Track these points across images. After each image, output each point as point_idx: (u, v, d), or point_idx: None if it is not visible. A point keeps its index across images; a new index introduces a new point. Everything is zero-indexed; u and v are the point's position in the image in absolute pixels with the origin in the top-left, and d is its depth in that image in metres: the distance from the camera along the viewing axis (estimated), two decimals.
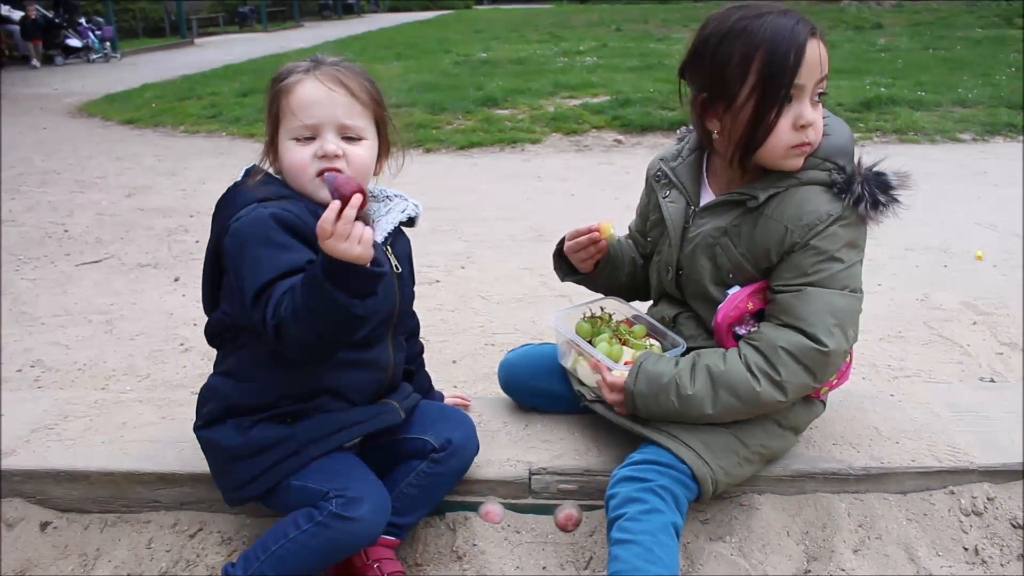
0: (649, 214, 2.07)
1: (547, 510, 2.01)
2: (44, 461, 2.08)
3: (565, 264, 2.14)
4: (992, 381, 2.90)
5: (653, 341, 1.97)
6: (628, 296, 2.17)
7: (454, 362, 3.07)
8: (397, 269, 1.83)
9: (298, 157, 1.68)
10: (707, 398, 1.75)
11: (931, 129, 7.49)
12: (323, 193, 1.59)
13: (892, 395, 2.32)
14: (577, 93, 9.67)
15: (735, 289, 1.82)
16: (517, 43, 16.99)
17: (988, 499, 1.98)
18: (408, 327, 1.99)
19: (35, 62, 17.40)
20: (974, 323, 3.41)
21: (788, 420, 1.90)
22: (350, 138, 1.71)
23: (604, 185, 5.83)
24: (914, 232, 4.49)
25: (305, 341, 1.53)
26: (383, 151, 1.83)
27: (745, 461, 1.85)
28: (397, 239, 1.88)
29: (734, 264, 1.82)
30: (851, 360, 1.94)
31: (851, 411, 2.20)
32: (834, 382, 1.93)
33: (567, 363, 2.07)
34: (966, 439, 2.10)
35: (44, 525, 2.04)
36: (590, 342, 1.96)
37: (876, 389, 2.43)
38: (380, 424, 1.82)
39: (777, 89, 1.66)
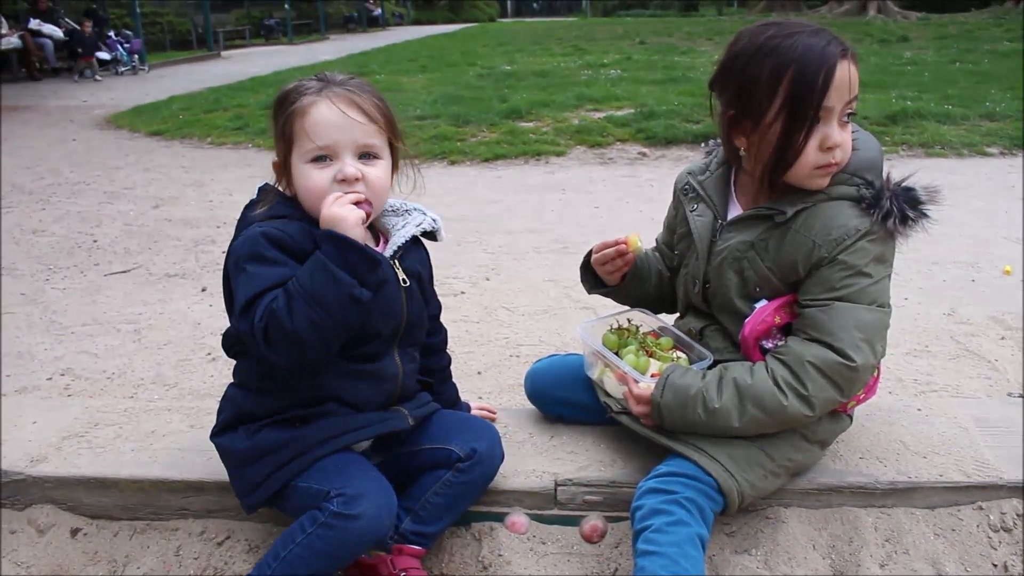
0: (676, 227, 2.07)
1: (573, 521, 2.01)
2: (75, 468, 2.11)
3: (592, 276, 2.15)
4: (1021, 396, 2.87)
5: (680, 354, 1.97)
6: (655, 309, 2.17)
7: (479, 373, 3.08)
8: (405, 283, 1.82)
9: (316, 182, 1.69)
10: (734, 411, 1.75)
11: (958, 143, 7.44)
12: None
13: (919, 409, 2.31)
14: (601, 106, 9.69)
15: (762, 302, 1.82)
16: (541, 56, 17.05)
17: (1017, 515, 1.96)
18: (421, 340, 1.97)
19: (98, 76, 17.21)
20: (1002, 338, 3.38)
21: (815, 434, 1.90)
22: (366, 157, 1.72)
23: (628, 198, 5.83)
24: (941, 246, 4.46)
25: (296, 333, 1.55)
26: (394, 165, 1.83)
27: (771, 474, 1.84)
28: (408, 253, 1.88)
29: (761, 278, 1.82)
30: (879, 375, 1.93)
31: (878, 425, 2.19)
32: (861, 396, 1.93)
33: (593, 374, 2.07)
34: (995, 454, 2.08)
35: (75, 532, 2.07)
36: (617, 354, 1.97)
37: (903, 403, 2.42)
38: (386, 428, 1.84)
39: (805, 111, 1.67)
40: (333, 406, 1.78)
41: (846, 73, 1.67)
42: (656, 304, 2.18)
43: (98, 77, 17.30)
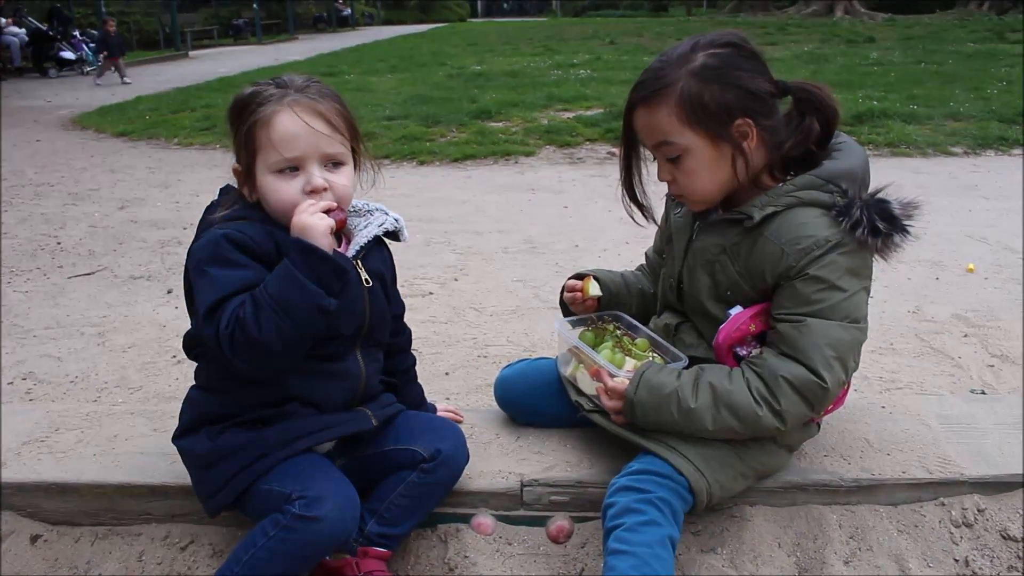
0: (666, 231, 2.08)
1: (539, 522, 2.01)
2: (35, 474, 2.07)
3: (568, 309, 2.20)
4: (983, 393, 2.91)
5: (656, 354, 1.97)
6: (639, 321, 2.15)
7: (447, 374, 3.08)
8: (368, 283, 1.81)
9: (287, 195, 1.67)
10: (708, 414, 1.75)
11: (923, 142, 7.54)
12: None
13: (883, 407, 2.33)
14: (571, 106, 9.71)
15: (737, 309, 1.81)
16: (511, 56, 17.06)
17: (978, 511, 1.99)
18: (384, 340, 1.95)
19: (127, 79, 16.31)
20: (965, 335, 3.42)
21: (784, 439, 1.91)
22: (330, 164, 1.71)
23: (597, 197, 5.84)
24: (911, 244, 4.50)
25: (263, 342, 1.54)
26: (356, 166, 1.82)
27: (740, 476, 1.85)
28: (371, 253, 1.87)
29: (731, 282, 1.82)
30: (848, 386, 1.93)
31: (842, 423, 2.21)
32: (831, 407, 1.93)
33: (567, 371, 2.07)
34: (957, 451, 2.10)
35: (34, 538, 2.03)
36: (593, 349, 1.97)
37: (868, 401, 2.44)
38: (349, 429, 1.82)
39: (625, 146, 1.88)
40: (295, 407, 1.76)
41: (642, 122, 1.76)
42: (640, 320, 2.16)
43: (55, 74, 16.95)
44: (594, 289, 2.10)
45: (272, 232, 1.67)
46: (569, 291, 2.14)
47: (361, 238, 1.84)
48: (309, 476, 1.70)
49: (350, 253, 1.80)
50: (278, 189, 1.67)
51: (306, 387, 1.77)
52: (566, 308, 2.20)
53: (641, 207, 1.92)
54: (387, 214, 1.92)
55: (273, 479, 1.71)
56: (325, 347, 1.75)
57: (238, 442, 1.74)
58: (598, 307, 2.13)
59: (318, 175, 1.68)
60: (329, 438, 1.82)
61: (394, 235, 1.92)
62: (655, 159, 1.81)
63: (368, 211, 1.91)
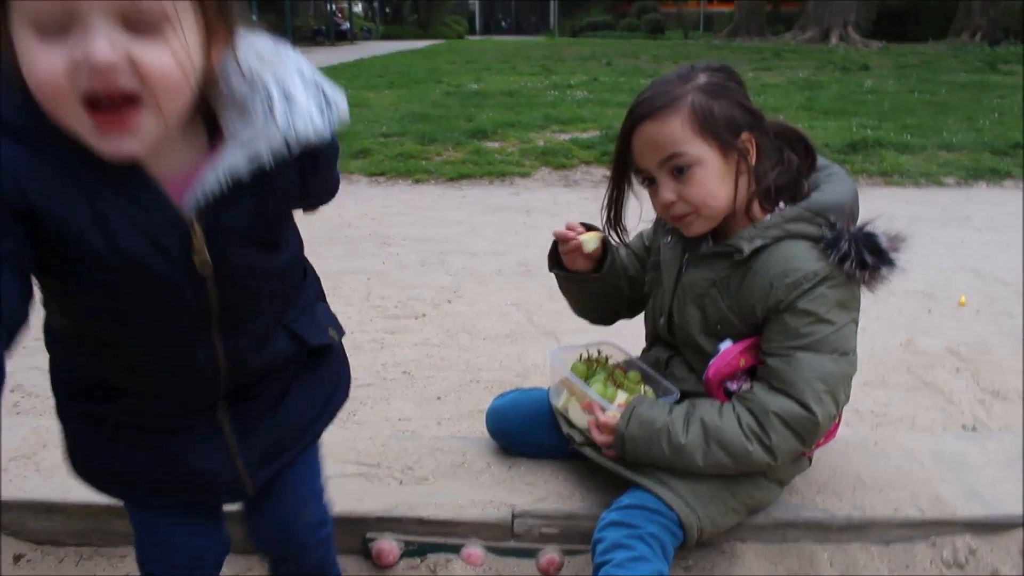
0: (652, 253, 2.08)
1: (529, 554, 2.00)
2: (21, 492, 2.05)
3: (556, 257, 2.09)
4: (974, 429, 2.90)
5: (648, 388, 1.97)
6: (606, 313, 2.17)
7: (439, 398, 3.06)
8: (206, 268, 1.13)
9: (45, 68, 0.94)
10: (699, 450, 1.75)
11: (916, 172, 7.56)
12: (89, 130, 0.98)
13: (876, 443, 2.33)
14: (567, 127, 9.73)
15: (727, 343, 1.82)
16: (508, 75, 17.10)
17: (970, 551, 1.99)
18: (262, 315, 1.29)
19: None
20: (957, 369, 3.42)
21: (775, 474, 1.91)
22: (136, 27, 0.95)
23: (592, 221, 5.84)
24: (897, 276, 4.52)
25: None
26: (215, 34, 1.06)
27: (732, 511, 1.85)
28: (232, 199, 1.11)
29: (722, 317, 1.82)
30: (840, 420, 1.94)
31: (834, 459, 2.20)
32: (822, 441, 1.93)
33: (558, 403, 2.06)
34: (949, 489, 2.10)
35: (17, 558, 2.01)
36: (585, 382, 1.97)
37: (859, 436, 2.44)
38: (206, 500, 1.45)
39: (617, 171, 1.84)
40: (134, 399, 1.29)
41: (648, 137, 1.73)
42: (608, 309, 2.16)
43: None
44: (592, 244, 1.97)
45: (69, 156, 1.01)
46: (566, 231, 1.99)
47: (209, 177, 1.08)
48: (160, 546, 1.47)
49: (188, 203, 1.09)
50: (34, 56, 0.94)
51: (138, 380, 1.27)
52: (555, 257, 2.08)
53: (620, 231, 1.95)
54: (290, 104, 1.10)
55: (133, 522, 1.49)
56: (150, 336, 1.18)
57: (87, 444, 1.40)
58: (594, 268, 2.05)
59: (103, 36, 0.93)
60: (168, 505, 1.43)
61: (312, 156, 1.18)
62: (647, 185, 1.81)
63: (248, 106, 1.09)
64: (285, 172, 1.15)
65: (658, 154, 1.72)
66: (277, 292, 1.30)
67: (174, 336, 1.18)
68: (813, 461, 2.10)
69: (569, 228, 1.99)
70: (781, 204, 1.80)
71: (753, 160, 1.76)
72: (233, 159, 1.08)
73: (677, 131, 1.69)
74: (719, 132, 1.70)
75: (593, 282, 2.04)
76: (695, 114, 1.69)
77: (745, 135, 1.74)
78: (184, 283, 1.12)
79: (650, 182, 1.78)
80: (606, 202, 1.91)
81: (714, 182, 1.73)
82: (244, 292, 1.21)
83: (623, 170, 1.82)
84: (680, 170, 1.71)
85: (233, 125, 1.09)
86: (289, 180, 1.18)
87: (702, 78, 1.72)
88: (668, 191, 1.74)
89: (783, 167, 1.80)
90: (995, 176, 7.52)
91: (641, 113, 1.72)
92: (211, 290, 1.15)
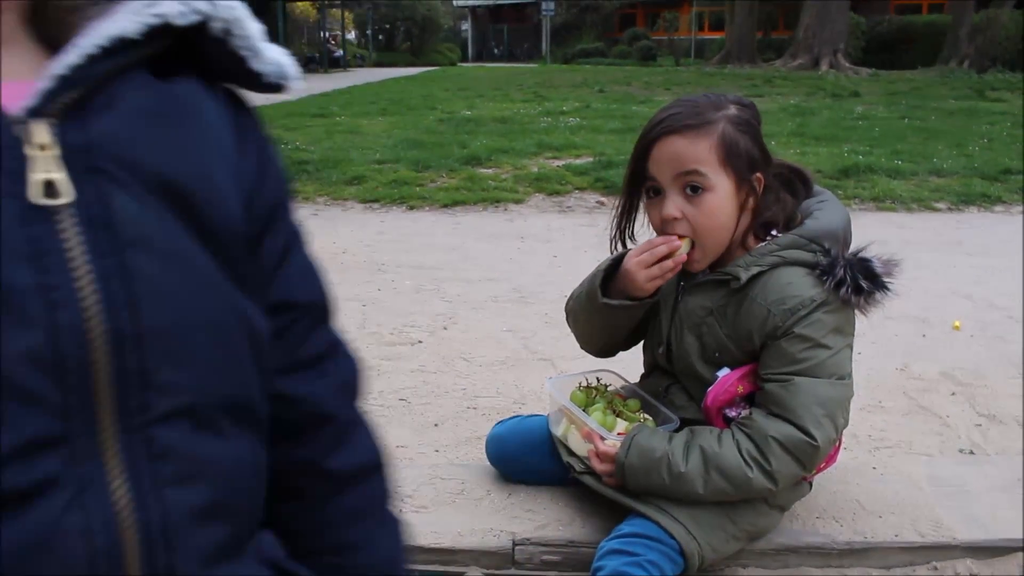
0: None
1: None
2: None
3: (612, 286, 1.92)
4: (971, 453, 2.91)
5: (647, 416, 1.98)
6: (624, 341, 2.12)
7: (436, 425, 3.05)
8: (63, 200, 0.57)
9: None
10: (699, 478, 1.75)
11: (907, 198, 7.62)
12: None
13: (875, 468, 2.34)
14: (560, 154, 9.78)
15: (724, 371, 1.83)
16: (501, 101, 17.20)
17: None
18: (210, 395, 0.64)
19: None
20: (953, 393, 3.43)
21: (776, 500, 1.91)
22: None
23: (587, 247, 5.85)
24: (892, 300, 4.54)
25: None
26: None
27: (732, 538, 1.85)
28: (105, 114, 0.61)
29: (719, 344, 1.83)
30: (840, 444, 1.95)
31: (834, 484, 2.21)
32: (823, 466, 1.94)
33: (558, 431, 2.06)
34: (948, 513, 2.11)
35: None
36: (584, 411, 1.97)
37: (858, 462, 2.44)
38: None
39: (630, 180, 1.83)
40: None
41: (673, 150, 1.73)
42: (624, 340, 2.10)
43: None
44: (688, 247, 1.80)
45: None
46: (654, 246, 1.80)
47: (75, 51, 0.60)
48: None
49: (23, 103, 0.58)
50: None
51: None
52: (606, 283, 1.91)
53: (626, 241, 1.95)
54: None
55: None
56: None
57: None
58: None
59: None
60: None
61: (243, 82, 0.71)
62: (651, 196, 1.81)
63: None
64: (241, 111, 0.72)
65: (677, 168, 1.73)
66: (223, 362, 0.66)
67: (17, 449, 0.54)
68: (813, 486, 2.10)
69: (664, 244, 1.79)
70: (774, 232, 1.82)
71: (758, 199, 1.79)
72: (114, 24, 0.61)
73: (704, 153, 1.71)
74: (739, 166, 1.73)
75: (640, 308, 1.91)
76: (723, 143, 1.72)
77: (758, 174, 1.78)
78: (27, 287, 0.54)
79: (655, 193, 1.79)
80: (617, 213, 1.92)
81: (722, 212, 1.75)
82: (159, 331, 0.59)
83: (638, 180, 1.82)
84: (694, 189, 1.73)
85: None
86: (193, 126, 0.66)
87: (733, 109, 1.76)
88: (674, 206, 1.75)
89: (779, 205, 1.84)
90: (986, 201, 7.58)
91: (670, 126, 1.74)
92: (90, 314, 0.56)
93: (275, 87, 0.69)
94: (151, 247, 0.59)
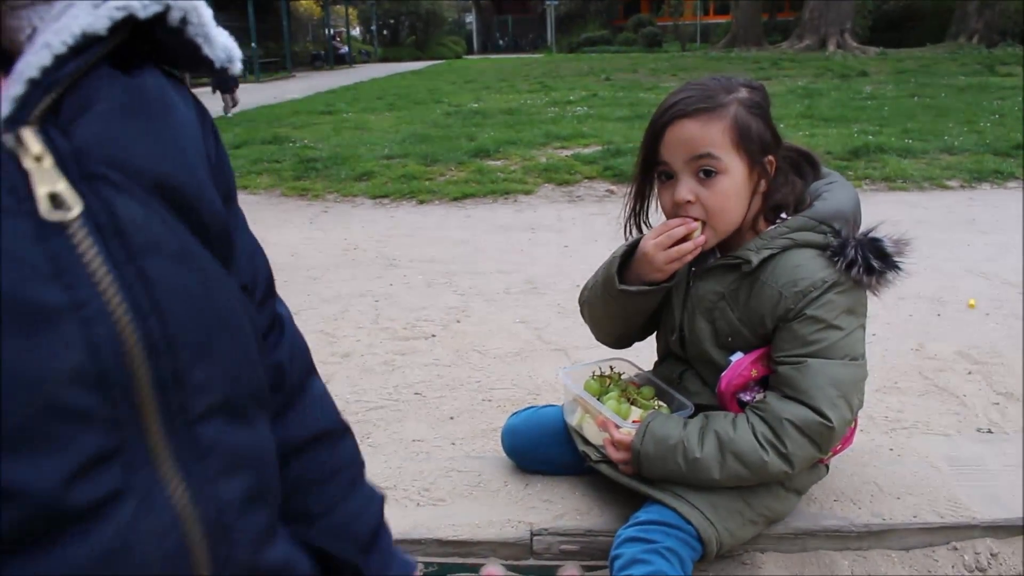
0: None
1: (549, 571, 1.99)
2: None
3: (628, 274, 1.90)
4: (990, 432, 2.89)
5: (661, 403, 1.97)
6: (641, 329, 2.10)
7: (452, 418, 3.06)
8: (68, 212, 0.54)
9: None
10: (715, 463, 1.75)
11: (919, 176, 7.57)
12: None
13: (891, 449, 2.33)
14: (568, 143, 9.76)
15: (738, 355, 1.83)
16: (508, 93, 17.18)
17: (992, 555, 1.98)
18: (241, 392, 0.67)
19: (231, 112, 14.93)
20: (969, 372, 3.42)
21: (793, 483, 1.91)
22: None
23: (597, 236, 5.86)
24: (906, 280, 4.52)
25: None
26: None
27: (750, 523, 1.85)
28: (84, 116, 0.58)
29: (732, 329, 1.83)
30: (856, 425, 1.94)
31: (851, 466, 2.20)
32: (838, 448, 1.93)
33: (573, 421, 2.06)
34: (967, 493, 2.10)
35: None
36: (599, 399, 1.97)
37: (875, 443, 2.43)
38: None
39: (643, 165, 1.82)
40: None
41: (687, 134, 1.72)
42: (641, 328, 2.08)
43: None
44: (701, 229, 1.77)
45: None
46: (670, 227, 1.78)
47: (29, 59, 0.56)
48: None
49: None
50: None
51: None
52: (624, 264, 1.90)
53: (641, 226, 1.94)
54: None
55: None
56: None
57: None
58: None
59: None
60: None
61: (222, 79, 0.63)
62: (663, 180, 1.80)
63: None
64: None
65: (690, 152, 1.72)
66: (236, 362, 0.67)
67: (81, 467, 0.54)
68: (830, 469, 2.10)
69: (673, 232, 1.77)
70: (784, 215, 1.81)
71: (769, 181, 1.79)
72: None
73: (717, 136, 1.71)
74: (752, 149, 1.72)
75: (658, 294, 1.89)
76: (736, 126, 1.71)
77: (770, 157, 1.78)
78: (60, 305, 0.53)
79: (667, 177, 1.78)
80: (630, 199, 1.91)
81: (734, 195, 1.74)
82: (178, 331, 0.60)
83: (650, 165, 1.82)
84: (708, 173, 1.72)
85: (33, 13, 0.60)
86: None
87: (744, 92, 1.75)
88: (687, 189, 1.74)
89: (788, 188, 1.83)
90: (999, 177, 7.53)
91: (682, 110, 1.73)
92: (122, 326, 0.56)
93: (222, 72, 0.68)
94: (162, 250, 0.59)
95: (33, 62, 0.55)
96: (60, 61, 0.56)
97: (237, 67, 0.68)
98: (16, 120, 0.54)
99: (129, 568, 0.56)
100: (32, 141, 0.54)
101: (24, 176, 0.53)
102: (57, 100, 0.57)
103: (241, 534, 0.65)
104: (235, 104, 15.17)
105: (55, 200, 0.54)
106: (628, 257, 1.90)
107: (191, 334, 0.60)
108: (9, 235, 0.51)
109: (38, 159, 0.54)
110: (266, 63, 32.60)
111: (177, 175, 0.63)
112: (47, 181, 0.54)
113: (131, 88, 0.62)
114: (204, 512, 0.61)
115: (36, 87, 0.55)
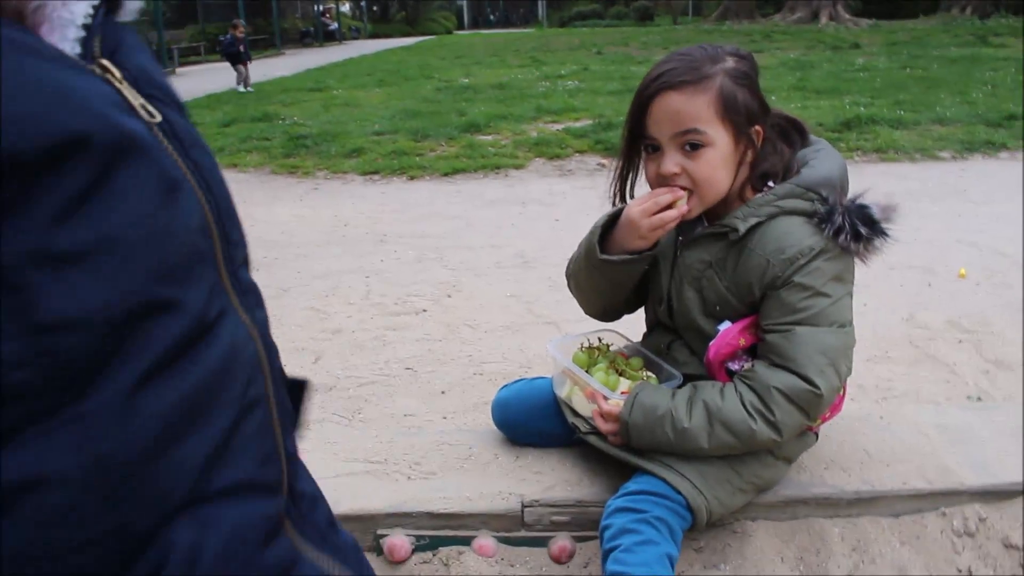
0: None
1: (541, 542, 2.00)
2: None
3: (611, 243, 1.89)
4: (979, 400, 2.91)
5: (650, 373, 1.97)
6: (628, 302, 2.09)
7: (443, 392, 3.07)
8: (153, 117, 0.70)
9: None
10: (703, 433, 1.74)
11: (911, 147, 7.57)
12: None
13: (881, 417, 2.33)
14: (559, 118, 9.73)
15: (726, 324, 1.82)
16: (498, 68, 17.09)
17: (980, 520, 1.99)
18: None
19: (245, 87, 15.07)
20: (959, 341, 3.43)
21: (782, 451, 1.91)
22: None
23: (588, 210, 5.82)
24: (897, 250, 4.50)
25: None
26: None
27: (739, 491, 1.85)
28: (123, 51, 0.73)
29: (720, 298, 1.82)
30: (844, 392, 1.94)
31: (841, 434, 2.20)
32: (827, 415, 1.93)
33: (562, 392, 2.06)
34: (956, 460, 2.10)
35: None
36: (587, 371, 1.96)
37: (865, 411, 2.44)
38: None
39: (629, 137, 1.81)
40: None
41: (672, 107, 1.70)
42: (627, 300, 2.06)
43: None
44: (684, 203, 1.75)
45: None
46: (665, 195, 1.75)
47: None
48: None
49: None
50: None
51: None
52: (605, 235, 1.89)
53: (627, 198, 1.93)
54: None
55: None
56: None
57: None
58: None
59: None
60: None
61: None
62: (649, 152, 1.78)
63: None
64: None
65: (676, 126, 1.70)
66: None
67: (210, 290, 0.74)
68: (820, 437, 2.10)
69: (656, 199, 1.76)
70: (771, 183, 1.80)
71: (756, 150, 1.77)
72: None
73: (702, 109, 1.69)
74: (738, 120, 1.71)
75: (641, 263, 1.87)
76: (721, 97, 1.69)
77: (757, 126, 1.76)
78: (182, 178, 0.72)
79: (653, 149, 1.77)
80: (617, 170, 1.90)
81: (721, 165, 1.73)
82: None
83: (636, 138, 1.80)
84: (693, 146, 1.71)
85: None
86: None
87: (730, 62, 1.72)
88: (673, 162, 1.72)
89: (776, 156, 1.81)
90: (990, 148, 7.53)
91: (667, 82, 1.70)
92: (201, 198, 0.74)
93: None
94: (197, 144, 0.77)
95: (77, 11, 0.68)
96: (95, 9, 0.69)
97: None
98: (86, 57, 0.67)
99: (238, 364, 0.76)
100: (113, 68, 0.69)
101: (119, 93, 0.68)
102: (100, 41, 0.70)
103: (272, 349, 0.86)
104: (245, 80, 15.09)
105: (145, 110, 0.70)
106: (609, 228, 1.89)
107: (225, 204, 0.79)
108: (143, 133, 0.68)
109: (120, 81, 0.69)
110: (255, 40, 32.30)
111: (175, 93, 0.80)
112: (134, 96, 0.70)
113: (125, 29, 0.77)
114: (260, 331, 0.82)
115: (88, 30, 0.68)
